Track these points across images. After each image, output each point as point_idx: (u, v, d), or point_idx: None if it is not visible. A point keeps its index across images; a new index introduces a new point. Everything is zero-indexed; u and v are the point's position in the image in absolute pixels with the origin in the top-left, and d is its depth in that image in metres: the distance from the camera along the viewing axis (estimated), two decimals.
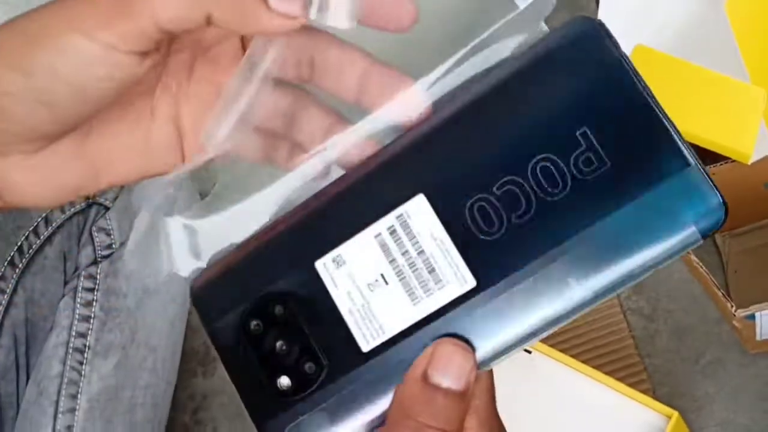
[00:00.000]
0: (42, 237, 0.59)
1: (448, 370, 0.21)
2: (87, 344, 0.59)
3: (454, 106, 0.23)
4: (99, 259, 0.60)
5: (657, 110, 0.21)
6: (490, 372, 0.23)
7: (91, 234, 0.60)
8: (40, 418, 0.58)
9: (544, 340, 0.59)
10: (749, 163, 0.50)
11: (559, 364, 0.53)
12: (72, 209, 0.60)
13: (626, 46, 0.52)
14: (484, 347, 0.22)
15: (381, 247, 0.22)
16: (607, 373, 0.52)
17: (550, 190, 0.21)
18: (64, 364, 0.59)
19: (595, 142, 0.21)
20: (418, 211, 0.22)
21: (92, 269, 0.60)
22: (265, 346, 0.23)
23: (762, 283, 0.56)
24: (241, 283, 0.24)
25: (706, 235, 0.20)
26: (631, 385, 0.52)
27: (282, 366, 0.23)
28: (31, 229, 0.59)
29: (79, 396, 0.59)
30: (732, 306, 0.46)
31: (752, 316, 0.47)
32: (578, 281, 0.21)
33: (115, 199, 0.61)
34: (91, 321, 0.60)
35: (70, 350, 0.59)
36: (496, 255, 0.21)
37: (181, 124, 0.25)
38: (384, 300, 0.22)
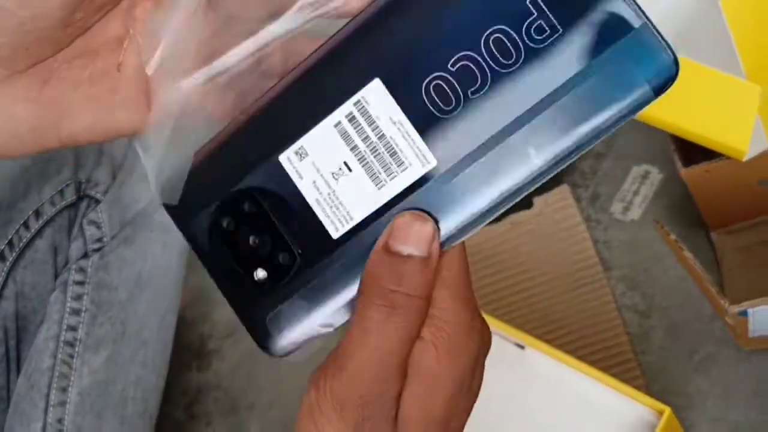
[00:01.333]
0: (32, 230, 0.59)
1: (408, 237, 0.22)
2: (78, 338, 0.59)
3: None
4: (90, 253, 0.60)
5: None
6: (462, 247, 0.23)
7: (81, 227, 0.60)
8: (31, 411, 0.58)
9: (538, 335, 0.59)
10: (744, 160, 0.49)
11: (552, 359, 0.53)
12: (63, 202, 0.60)
13: None
14: (449, 222, 0.22)
15: (341, 135, 0.23)
16: (600, 369, 0.52)
17: (504, 62, 0.21)
18: (55, 357, 0.58)
19: (545, 9, 0.21)
20: (376, 95, 0.22)
21: (83, 262, 0.60)
22: (239, 242, 0.24)
23: (756, 281, 0.56)
24: (210, 182, 0.24)
25: (660, 92, 0.20)
26: (624, 381, 0.52)
27: (257, 259, 0.24)
28: (21, 222, 0.59)
29: (69, 389, 0.59)
30: (725, 302, 0.46)
31: (745, 313, 0.47)
32: (537, 150, 0.21)
33: (106, 192, 0.61)
34: (82, 314, 0.59)
35: (61, 344, 0.59)
36: (455, 132, 0.22)
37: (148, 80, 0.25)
38: (349, 187, 0.23)
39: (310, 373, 0.24)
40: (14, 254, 0.58)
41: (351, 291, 0.23)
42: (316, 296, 0.24)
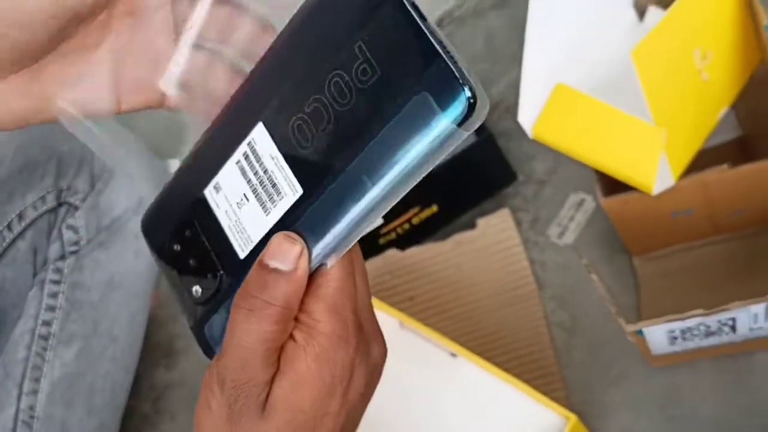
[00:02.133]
0: (15, 232, 0.64)
1: (277, 254, 0.25)
2: (52, 332, 0.64)
3: (273, 46, 0.27)
4: (67, 255, 0.65)
5: (416, 20, 0.23)
6: (344, 269, 0.26)
7: (60, 231, 0.65)
8: (5, 398, 0.63)
9: (473, 346, 0.64)
10: (654, 194, 0.55)
11: (478, 367, 0.58)
12: (44, 207, 0.65)
13: (550, 85, 0.57)
14: (317, 242, 0.26)
15: (240, 171, 0.27)
16: (527, 380, 0.57)
17: (341, 101, 0.24)
18: (30, 349, 0.63)
19: (368, 54, 0.23)
20: (260, 137, 0.26)
21: (60, 263, 0.65)
22: (184, 263, 0.29)
23: (670, 303, 0.61)
24: (166, 215, 0.30)
25: (461, 124, 0.22)
26: (547, 392, 0.57)
27: (195, 277, 0.28)
28: (5, 224, 0.64)
29: (42, 380, 0.64)
30: (622, 322, 0.51)
31: (641, 332, 0.52)
32: (371, 179, 0.24)
33: (85, 199, 0.66)
34: (57, 311, 0.64)
35: (36, 337, 0.64)
36: (312, 164, 0.25)
37: (121, 75, 0.30)
38: (248, 214, 0.27)
39: None
40: None
41: None
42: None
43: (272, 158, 0.26)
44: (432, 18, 0.27)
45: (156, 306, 0.84)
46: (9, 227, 0.64)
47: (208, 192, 0.28)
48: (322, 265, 0.26)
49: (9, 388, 0.63)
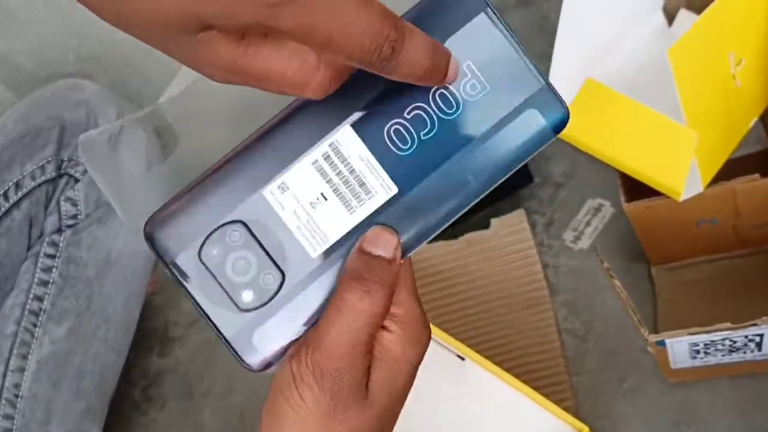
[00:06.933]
0: (11, 201, 0.62)
1: (378, 242, 0.27)
2: (43, 308, 0.62)
3: None
4: (63, 228, 0.63)
5: (517, 48, 0.27)
6: (410, 260, 0.28)
7: (58, 203, 0.63)
8: None
9: (481, 349, 0.61)
10: (681, 201, 0.53)
11: (488, 372, 0.56)
12: (43, 177, 0.62)
13: (578, 83, 0.55)
14: (407, 235, 0.27)
15: (318, 171, 0.27)
16: (535, 388, 0.55)
17: (447, 111, 0.27)
18: (19, 324, 0.61)
19: (477, 72, 0.27)
20: (347, 138, 0.27)
21: (56, 237, 0.62)
22: (228, 269, 0.27)
23: (688, 315, 0.59)
24: (196, 218, 0.27)
25: (557, 131, 0.27)
26: (556, 401, 0.55)
27: (243, 283, 0.27)
28: (1, 192, 0.62)
29: (29, 357, 0.61)
30: (645, 332, 0.49)
31: (662, 343, 0.49)
32: (474, 177, 0.27)
33: (86, 172, 0.63)
34: (49, 286, 0.62)
35: (26, 312, 0.61)
36: (411, 165, 0.27)
37: None
38: (325, 214, 0.27)
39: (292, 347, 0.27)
40: None
41: (326, 297, 0.27)
42: (298, 309, 0.27)
43: (362, 159, 0.27)
44: None
45: (152, 292, 0.82)
46: (5, 196, 0.62)
47: (270, 192, 0.27)
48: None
49: None
